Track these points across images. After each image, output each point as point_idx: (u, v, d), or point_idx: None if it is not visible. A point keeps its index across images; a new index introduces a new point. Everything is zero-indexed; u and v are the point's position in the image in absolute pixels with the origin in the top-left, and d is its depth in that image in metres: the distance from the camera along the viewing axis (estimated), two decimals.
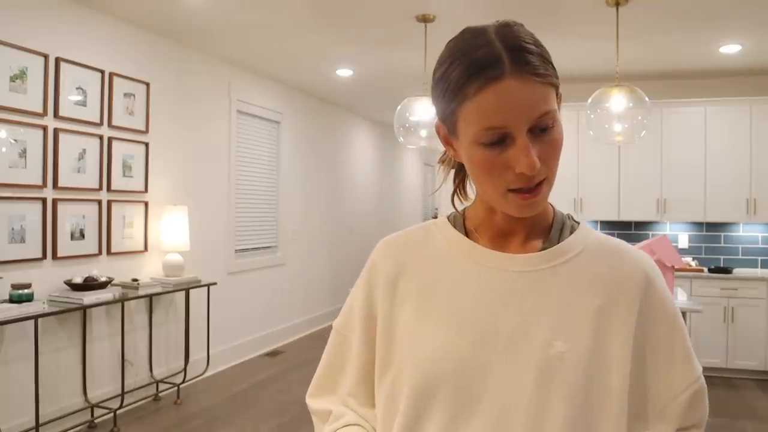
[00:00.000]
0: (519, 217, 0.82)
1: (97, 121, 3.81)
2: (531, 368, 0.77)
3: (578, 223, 0.90)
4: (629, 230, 5.63)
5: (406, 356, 0.83)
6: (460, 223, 0.90)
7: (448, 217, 0.93)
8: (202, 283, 4.42)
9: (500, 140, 0.75)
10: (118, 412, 3.73)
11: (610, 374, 0.79)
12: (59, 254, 3.54)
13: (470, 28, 0.79)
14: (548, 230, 0.87)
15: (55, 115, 3.52)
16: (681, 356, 0.85)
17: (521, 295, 0.81)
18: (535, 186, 0.77)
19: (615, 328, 0.80)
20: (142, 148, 4.19)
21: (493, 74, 0.72)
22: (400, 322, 0.86)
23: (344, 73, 5.54)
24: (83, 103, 3.71)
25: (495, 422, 0.77)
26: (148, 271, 4.26)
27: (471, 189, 0.91)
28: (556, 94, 0.79)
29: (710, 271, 5.04)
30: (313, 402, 0.95)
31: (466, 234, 0.89)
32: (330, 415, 0.91)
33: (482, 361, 0.78)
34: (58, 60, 3.52)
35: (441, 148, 0.93)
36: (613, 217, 5.45)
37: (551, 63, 0.77)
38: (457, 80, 0.75)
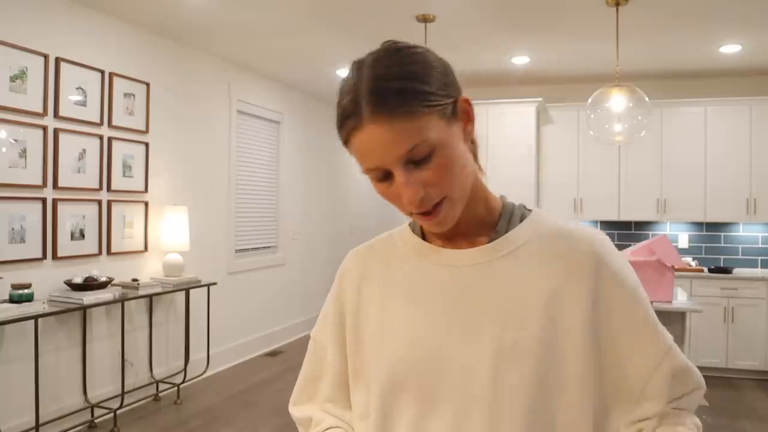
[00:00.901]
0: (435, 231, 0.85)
1: (97, 121, 3.81)
2: (486, 359, 0.79)
3: (531, 211, 0.91)
4: (629, 230, 5.63)
5: (372, 359, 0.87)
6: (418, 226, 0.93)
7: (410, 222, 0.96)
8: (202, 283, 4.42)
9: (384, 176, 0.79)
10: (118, 412, 3.73)
11: (566, 360, 0.79)
12: (59, 254, 3.54)
13: (354, 63, 0.81)
14: (497, 223, 0.88)
15: (55, 115, 3.52)
16: (646, 330, 0.83)
17: (473, 289, 0.83)
18: (433, 208, 0.80)
19: (569, 312, 0.80)
20: (142, 148, 4.19)
21: (353, 124, 0.76)
22: (366, 326, 0.90)
23: (344, 73, 5.52)
24: (83, 103, 3.71)
25: (457, 415, 0.79)
26: (148, 271, 4.26)
27: None
28: (451, 112, 0.78)
29: (710, 271, 5.04)
30: (294, 410, 1.00)
31: (424, 236, 0.92)
32: (311, 421, 0.95)
33: (441, 357, 0.81)
34: (58, 60, 3.52)
35: None
36: (613, 217, 5.45)
37: (423, 90, 0.75)
38: (337, 126, 0.80)
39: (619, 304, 0.82)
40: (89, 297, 3.43)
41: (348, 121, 0.77)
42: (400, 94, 0.74)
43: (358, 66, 0.79)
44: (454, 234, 0.88)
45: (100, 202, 3.85)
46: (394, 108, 0.74)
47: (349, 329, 0.92)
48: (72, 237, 3.64)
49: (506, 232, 0.87)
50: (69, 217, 3.62)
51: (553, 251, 0.84)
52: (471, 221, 0.87)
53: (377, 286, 0.91)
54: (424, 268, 0.88)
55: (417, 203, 0.78)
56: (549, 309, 0.80)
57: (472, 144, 0.89)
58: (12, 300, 3.08)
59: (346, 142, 0.79)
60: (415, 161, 0.76)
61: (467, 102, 0.82)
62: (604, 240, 0.87)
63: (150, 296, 3.97)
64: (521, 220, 0.88)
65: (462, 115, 0.81)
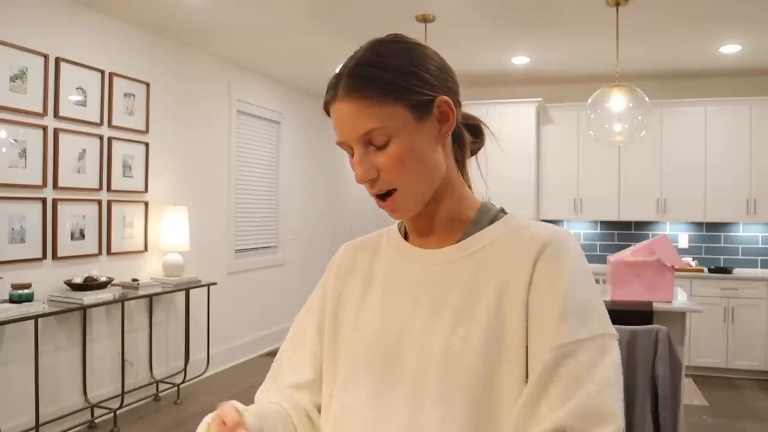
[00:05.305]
0: (410, 218, 0.90)
1: (97, 121, 3.81)
2: (436, 356, 0.82)
3: (506, 213, 0.92)
4: (629, 230, 5.63)
5: (345, 341, 0.93)
6: (403, 225, 0.98)
7: (399, 221, 1.00)
8: (202, 283, 4.42)
9: (352, 152, 0.85)
10: (118, 412, 3.72)
11: (508, 357, 0.79)
12: (59, 254, 3.54)
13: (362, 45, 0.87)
14: (469, 224, 0.90)
15: (55, 115, 3.51)
16: (554, 317, 0.77)
17: (434, 287, 0.87)
18: (385, 194, 0.85)
19: (512, 305, 0.80)
20: (142, 148, 4.19)
21: (330, 96, 0.84)
22: (345, 314, 0.95)
23: None
24: (83, 103, 3.71)
25: (411, 402, 0.82)
26: (148, 271, 4.26)
27: None
28: (424, 108, 0.83)
29: (710, 271, 5.04)
30: (257, 394, 1.02)
31: (407, 234, 0.96)
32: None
33: (401, 346, 0.86)
34: (58, 60, 3.52)
35: None
36: (613, 217, 5.45)
37: (393, 81, 0.81)
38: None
39: (542, 290, 0.79)
40: (89, 297, 3.43)
41: (329, 93, 0.85)
42: (370, 80, 0.81)
43: (359, 48, 0.86)
44: (428, 233, 0.92)
45: (100, 202, 3.85)
46: (360, 90, 0.81)
47: (329, 318, 0.96)
48: (72, 237, 3.64)
49: (475, 233, 0.89)
50: (69, 217, 3.62)
51: (509, 248, 0.85)
52: (445, 221, 0.91)
53: (361, 277, 0.96)
54: (399, 264, 0.93)
55: (364, 182, 0.84)
56: (496, 305, 0.81)
57: (461, 147, 0.92)
58: (12, 300, 3.08)
59: (326, 110, 0.87)
60: (374, 144, 0.83)
61: (447, 103, 0.84)
62: (560, 236, 0.84)
63: (150, 296, 3.97)
64: (492, 222, 0.90)
65: (438, 114, 0.84)
